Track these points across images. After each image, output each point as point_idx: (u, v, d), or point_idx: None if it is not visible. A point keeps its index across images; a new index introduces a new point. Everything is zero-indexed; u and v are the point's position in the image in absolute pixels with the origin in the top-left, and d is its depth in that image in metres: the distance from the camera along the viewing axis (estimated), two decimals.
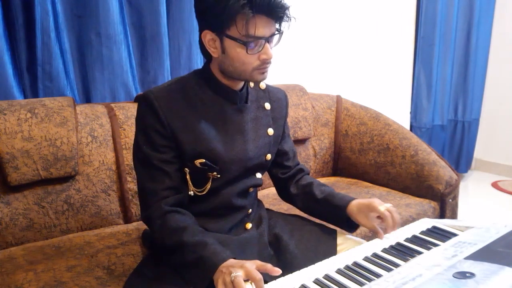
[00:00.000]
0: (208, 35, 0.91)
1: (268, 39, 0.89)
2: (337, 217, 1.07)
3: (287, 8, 0.88)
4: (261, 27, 0.86)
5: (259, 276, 0.75)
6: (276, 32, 0.91)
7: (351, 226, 1.06)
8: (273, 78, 2.04)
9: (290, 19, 0.90)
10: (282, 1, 0.86)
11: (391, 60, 2.67)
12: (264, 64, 0.92)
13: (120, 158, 1.42)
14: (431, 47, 2.74)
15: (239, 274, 0.75)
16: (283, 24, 0.91)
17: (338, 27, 2.33)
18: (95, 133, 1.40)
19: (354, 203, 1.03)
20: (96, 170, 1.38)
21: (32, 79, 1.44)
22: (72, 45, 1.53)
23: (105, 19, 1.51)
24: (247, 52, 0.88)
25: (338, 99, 2.04)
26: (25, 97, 1.44)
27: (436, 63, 2.78)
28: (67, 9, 1.49)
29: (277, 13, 0.86)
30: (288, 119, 1.80)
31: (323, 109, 1.98)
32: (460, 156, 3.12)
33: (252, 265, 0.78)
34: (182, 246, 0.87)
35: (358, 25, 2.44)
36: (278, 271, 0.78)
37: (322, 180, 1.94)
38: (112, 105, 1.49)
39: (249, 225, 1.06)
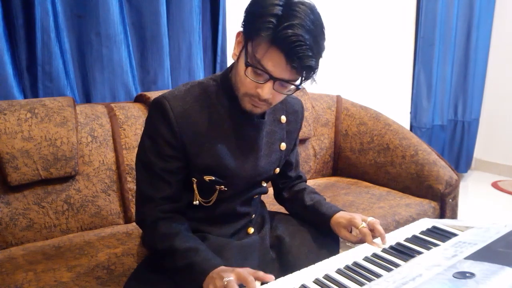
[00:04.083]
0: (240, 37, 0.85)
1: (275, 80, 0.81)
2: (322, 226, 1.06)
3: (309, 66, 0.79)
4: (271, 60, 0.78)
5: (251, 277, 0.75)
6: (291, 82, 0.82)
7: (334, 235, 1.05)
8: None
9: (309, 79, 0.82)
10: (306, 53, 0.76)
11: (391, 60, 2.67)
12: (255, 97, 0.84)
13: (120, 158, 1.42)
14: (431, 47, 2.74)
15: (231, 278, 0.75)
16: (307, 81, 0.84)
17: (338, 27, 2.34)
18: (95, 133, 1.40)
19: (337, 216, 1.02)
20: (96, 170, 1.38)
21: (32, 79, 1.44)
22: (72, 45, 1.53)
23: (105, 19, 1.51)
24: (244, 72, 0.82)
25: (338, 99, 2.04)
26: (25, 97, 1.44)
27: (436, 63, 2.78)
28: (67, 9, 1.49)
29: (293, 58, 0.77)
30: None
31: (323, 109, 1.98)
32: (460, 156, 3.12)
33: (244, 270, 0.77)
34: (173, 252, 0.86)
35: (358, 25, 2.44)
36: (270, 277, 0.77)
37: (322, 180, 1.94)
38: (112, 105, 1.49)
39: (251, 230, 1.05)
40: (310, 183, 1.88)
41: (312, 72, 0.82)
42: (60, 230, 1.33)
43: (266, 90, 0.82)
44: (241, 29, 0.85)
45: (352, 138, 1.95)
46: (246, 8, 0.84)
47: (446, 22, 2.78)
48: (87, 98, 1.59)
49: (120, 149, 1.43)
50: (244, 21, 0.84)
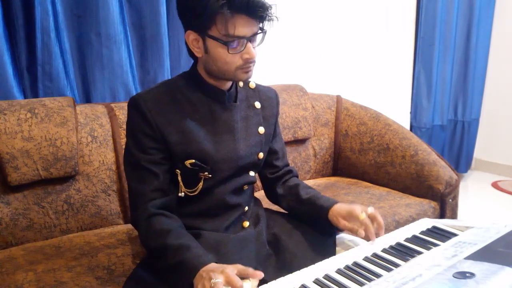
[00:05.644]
0: (191, 35, 0.92)
1: (250, 39, 0.89)
2: (319, 219, 1.05)
3: (268, 7, 0.87)
4: (240, 26, 0.86)
5: (239, 284, 0.74)
6: (259, 32, 0.90)
7: (332, 228, 1.04)
8: (273, 78, 2.04)
9: (272, 19, 0.90)
10: (263, 0, 0.86)
11: (391, 60, 2.67)
12: (247, 64, 0.92)
13: (120, 158, 1.42)
14: (431, 47, 2.74)
15: (219, 280, 0.74)
16: (268, 23, 0.91)
17: (338, 27, 2.33)
18: (95, 133, 1.40)
19: (336, 207, 1.02)
20: (96, 170, 1.38)
21: (32, 79, 1.44)
22: (72, 45, 1.53)
23: (105, 19, 1.51)
24: (228, 51, 0.88)
25: (338, 99, 2.04)
26: (25, 97, 1.44)
27: (436, 63, 2.78)
28: (67, 9, 1.49)
29: (257, 13, 0.86)
30: (288, 119, 1.81)
31: (323, 109, 1.98)
32: (460, 156, 3.12)
33: (233, 270, 0.76)
34: (165, 249, 0.86)
35: (358, 25, 2.44)
36: (260, 274, 0.77)
37: (322, 180, 1.94)
38: (112, 105, 1.49)
39: (246, 224, 1.05)
40: (310, 183, 1.88)
41: (271, 12, 0.90)
42: (60, 230, 1.33)
43: (251, 51, 0.90)
44: (185, 31, 0.93)
45: (352, 138, 1.95)
46: (180, 12, 0.92)
47: (446, 22, 2.78)
48: (87, 98, 1.59)
49: (120, 149, 1.43)
50: (188, 22, 0.92)
